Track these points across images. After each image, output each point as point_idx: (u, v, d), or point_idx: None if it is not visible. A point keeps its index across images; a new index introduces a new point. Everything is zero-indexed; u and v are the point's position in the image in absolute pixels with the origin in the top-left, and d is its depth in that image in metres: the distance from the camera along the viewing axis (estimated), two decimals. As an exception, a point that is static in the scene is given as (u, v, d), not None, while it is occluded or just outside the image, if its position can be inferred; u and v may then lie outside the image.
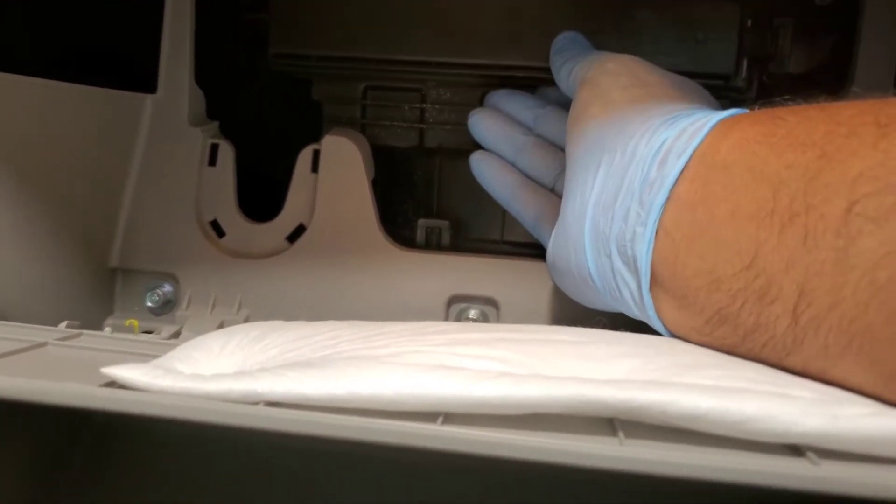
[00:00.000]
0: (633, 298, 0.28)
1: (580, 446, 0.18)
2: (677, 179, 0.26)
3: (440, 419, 0.19)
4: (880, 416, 0.18)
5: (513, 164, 0.44)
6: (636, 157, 0.27)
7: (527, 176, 0.43)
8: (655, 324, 0.27)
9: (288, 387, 0.19)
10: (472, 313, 0.46)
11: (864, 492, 0.17)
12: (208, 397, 0.19)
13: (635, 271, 0.27)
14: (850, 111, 0.22)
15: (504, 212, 0.51)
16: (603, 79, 0.34)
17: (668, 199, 0.26)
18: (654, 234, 0.26)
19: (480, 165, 0.44)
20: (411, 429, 0.18)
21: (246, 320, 0.45)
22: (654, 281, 0.27)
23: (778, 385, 0.21)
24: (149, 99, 0.46)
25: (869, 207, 0.20)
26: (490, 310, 0.46)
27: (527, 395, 0.19)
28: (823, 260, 0.21)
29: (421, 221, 0.50)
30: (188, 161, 0.46)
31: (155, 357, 0.23)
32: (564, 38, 0.42)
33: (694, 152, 0.26)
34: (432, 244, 0.50)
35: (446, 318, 0.46)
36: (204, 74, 0.47)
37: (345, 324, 0.26)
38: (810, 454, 0.19)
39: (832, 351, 0.21)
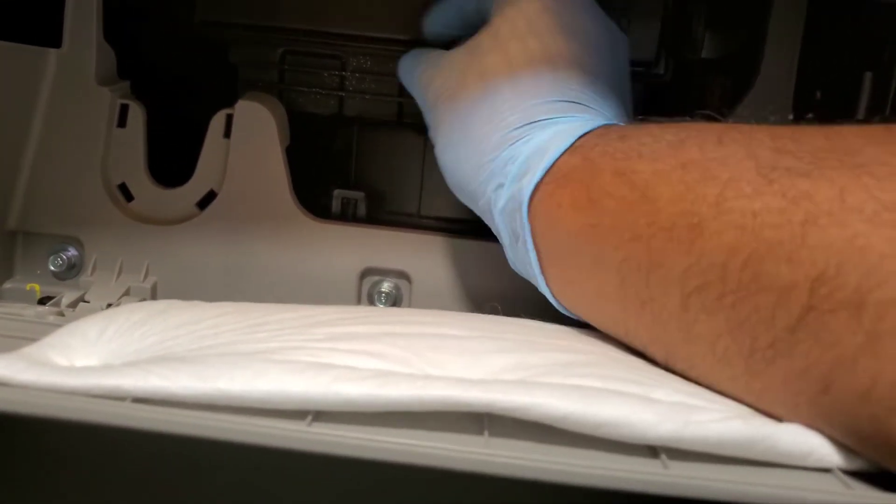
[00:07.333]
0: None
1: (441, 450, 0.18)
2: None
3: (309, 418, 0.19)
4: (726, 422, 0.19)
5: None
6: (493, 165, 0.31)
7: None
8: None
9: (155, 383, 0.19)
10: (386, 286, 0.47)
11: (704, 495, 0.18)
12: (72, 393, 0.18)
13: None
14: (674, 209, 0.23)
15: (422, 185, 0.51)
16: (515, 27, 0.33)
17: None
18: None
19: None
20: (272, 430, 0.18)
21: (153, 287, 0.45)
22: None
23: (644, 386, 0.22)
24: (53, 54, 0.44)
25: (698, 301, 0.22)
26: (403, 283, 0.46)
27: (394, 396, 0.19)
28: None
29: (336, 192, 0.49)
30: (95, 121, 0.45)
31: (31, 341, 0.22)
32: None
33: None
34: (347, 215, 0.49)
35: (359, 291, 0.46)
36: (116, 31, 0.45)
37: (232, 308, 0.26)
38: (663, 456, 0.19)
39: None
